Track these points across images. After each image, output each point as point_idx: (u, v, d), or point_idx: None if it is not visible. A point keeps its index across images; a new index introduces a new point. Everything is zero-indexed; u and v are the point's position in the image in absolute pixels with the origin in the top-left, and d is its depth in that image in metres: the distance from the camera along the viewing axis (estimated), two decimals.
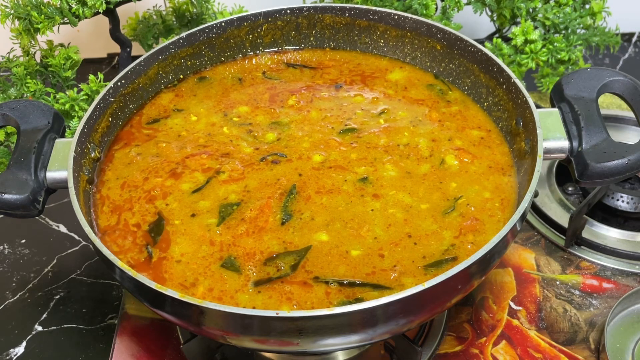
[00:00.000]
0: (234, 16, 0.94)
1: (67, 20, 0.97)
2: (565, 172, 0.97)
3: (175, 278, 0.69)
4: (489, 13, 1.15)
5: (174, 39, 0.92)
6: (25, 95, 1.01)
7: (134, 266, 0.70)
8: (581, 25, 1.09)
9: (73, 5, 0.96)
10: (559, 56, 1.07)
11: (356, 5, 0.94)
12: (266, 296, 0.66)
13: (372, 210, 0.74)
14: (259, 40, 0.97)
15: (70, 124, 0.99)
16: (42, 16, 0.95)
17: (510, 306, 0.90)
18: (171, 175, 0.80)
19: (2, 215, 1.04)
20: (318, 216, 0.74)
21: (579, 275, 0.93)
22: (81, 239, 1.03)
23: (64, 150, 0.78)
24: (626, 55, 1.35)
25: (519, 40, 1.06)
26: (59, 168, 0.77)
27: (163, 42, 0.92)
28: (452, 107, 0.87)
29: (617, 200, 0.99)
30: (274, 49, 0.98)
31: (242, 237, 0.72)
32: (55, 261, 1.00)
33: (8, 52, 1.02)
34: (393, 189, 0.76)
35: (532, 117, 0.75)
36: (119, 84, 0.86)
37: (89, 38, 1.36)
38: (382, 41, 0.95)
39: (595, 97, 0.77)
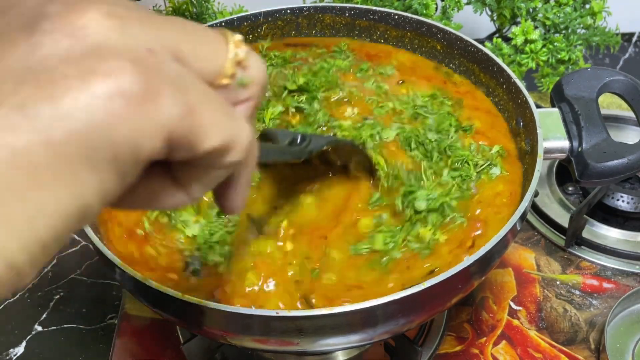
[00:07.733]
0: (234, 16, 0.94)
1: None
2: (565, 172, 0.97)
3: None
4: (489, 13, 1.15)
5: None
6: None
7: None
8: (581, 25, 1.09)
9: None
10: (559, 56, 1.06)
11: (356, 5, 0.94)
12: None
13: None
14: (259, 40, 0.97)
15: None
16: None
17: (510, 306, 0.90)
18: None
19: None
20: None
21: (579, 275, 0.93)
22: (81, 239, 1.03)
23: None
24: (626, 55, 1.36)
25: (519, 40, 1.06)
26: None
27: None
28: (460, 88, 0.86)
29: (617, 200, 0.99)
30: None
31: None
32: (55, 261, 1.00)
33: None
34: None
35: (532, 117, 0.75)
36: None
37: None
38: (382, 41, 0.95)
39: (595, 97, 0.77)
